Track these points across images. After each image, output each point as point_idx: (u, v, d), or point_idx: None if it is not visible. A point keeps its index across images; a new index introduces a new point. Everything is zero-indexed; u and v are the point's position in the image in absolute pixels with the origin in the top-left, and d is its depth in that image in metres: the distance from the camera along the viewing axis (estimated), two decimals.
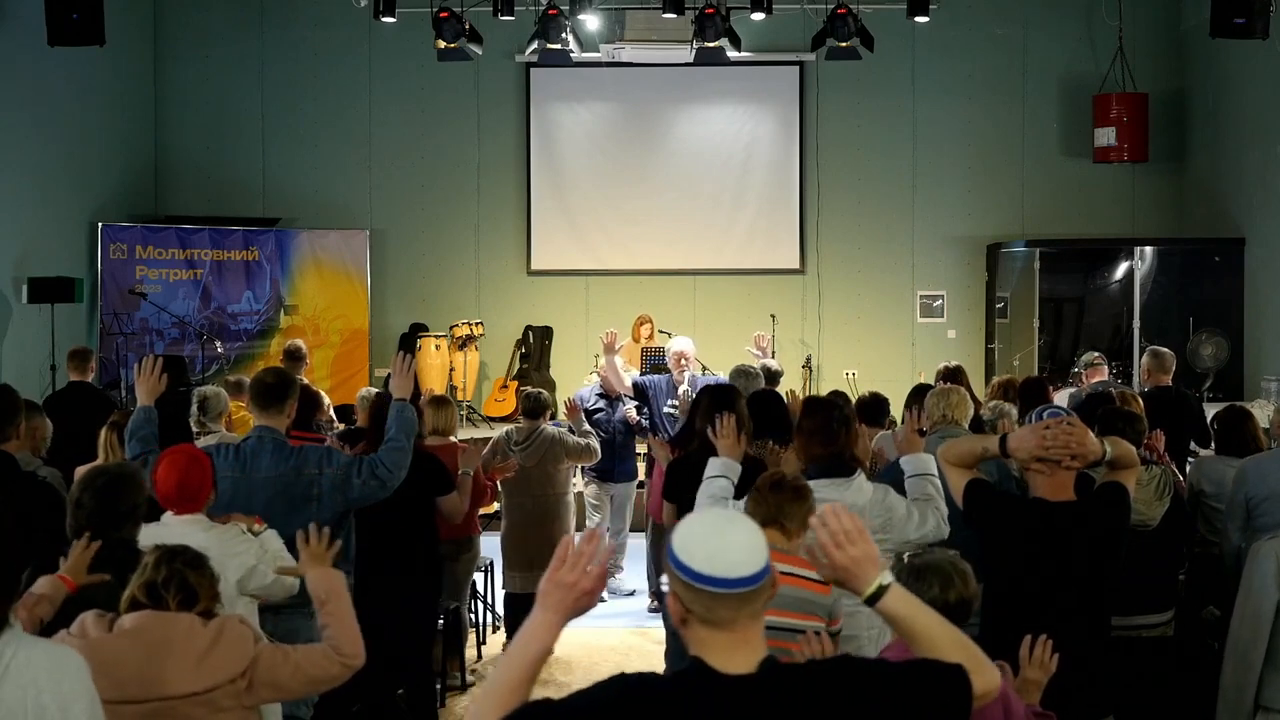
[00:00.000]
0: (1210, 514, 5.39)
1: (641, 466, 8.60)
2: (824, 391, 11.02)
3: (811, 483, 3.97)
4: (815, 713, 2.04)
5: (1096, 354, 8.81)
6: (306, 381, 8.18)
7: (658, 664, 5.36)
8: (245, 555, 3.88)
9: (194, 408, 6.61)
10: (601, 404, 8.14)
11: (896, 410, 7.06)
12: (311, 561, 3.25)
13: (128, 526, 3.59)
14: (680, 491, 5.08)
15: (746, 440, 5.28)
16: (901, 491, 4.23)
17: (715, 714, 2.01)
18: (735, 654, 2.05)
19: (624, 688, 2.07)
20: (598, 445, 7.50)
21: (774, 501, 3.65)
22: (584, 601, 2.21)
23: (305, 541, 3.28)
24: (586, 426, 7.62)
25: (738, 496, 4.21)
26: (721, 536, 2.08)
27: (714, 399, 5.36)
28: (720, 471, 4.28)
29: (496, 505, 7.64)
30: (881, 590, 2.27)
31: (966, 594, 3.04)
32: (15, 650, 2.10)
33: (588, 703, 2.05)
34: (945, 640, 2.26)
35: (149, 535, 3.70)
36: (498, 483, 7.06)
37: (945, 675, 2.16)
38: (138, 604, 2.97)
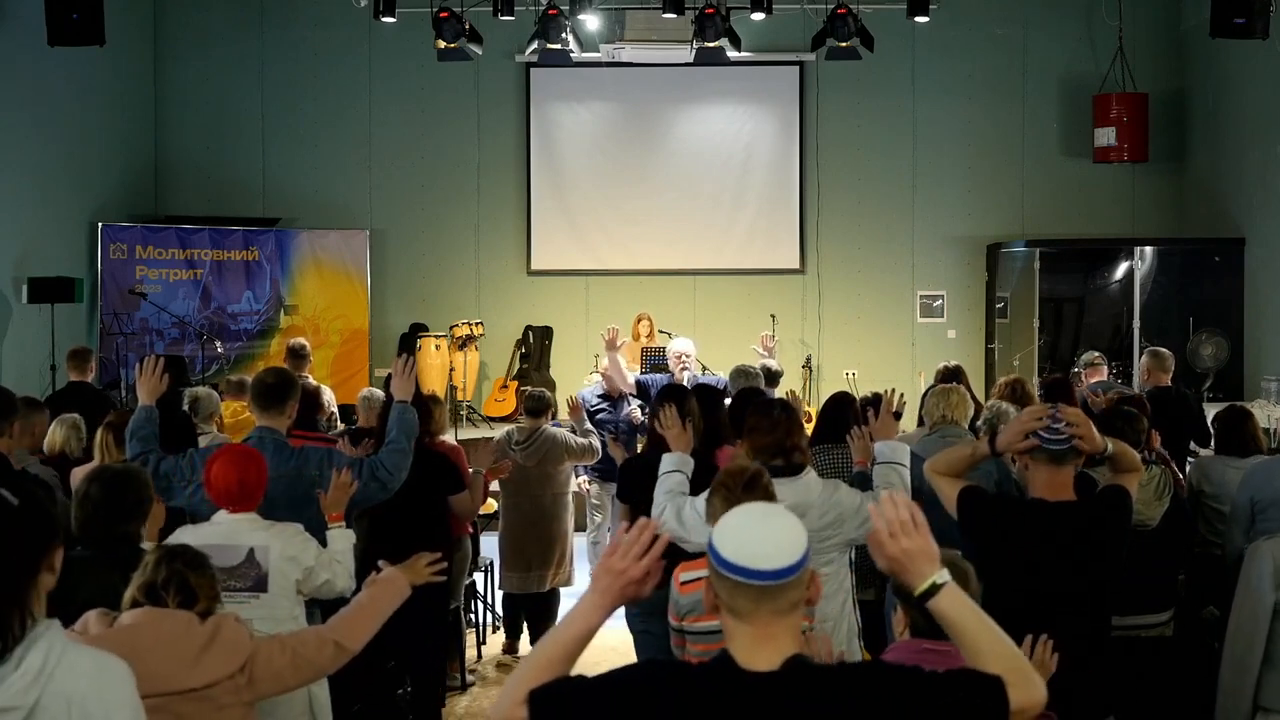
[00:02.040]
0: (1211, 514, 5.38)
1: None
2: (824, 392, 11.01)
3: None
4: (836, 717, 2.01)
5: (1096, 354, 8.81)
6: (308, 378, 8.19)
7: None
8: (305, 556, 3.90)
9: (184, 408, 6.59)
10: (604, 404, 8.13)
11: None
12: (408, 573, 3.47)
13: (133, 523, 3.60)
14: (632, 492, 5.05)
15: (696, 435, 5.29)
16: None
17: (733, 709, 2.01)
18: (758, 650, 2.05)
19: (651, 673, 2.11)
20: (599, 444, 7.49)
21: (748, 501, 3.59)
22: (631, 590, 2.21)
23: (416, 561, 3.53)
24: (589, 425, 7.60)
25: (694, 491, 4.22)
26: (756, 528, 2.09)
27: (662, 399, 5.35)
28: (674, 466, 4.29)
29: (495, 505, 7.64)
30: (935, 589, 2.22)
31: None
32: (61, 656, 2.09)
33: (616, 683, 2.08)
34: (992, 649, 2.18)
35: (203, 535, 3.71)
36: (495, 483, 7.05)
37: (980, 686, 2.09)
38: (138, 605, 2.98)
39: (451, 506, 5.78)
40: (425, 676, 5.71)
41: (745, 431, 4.27)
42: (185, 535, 3.79)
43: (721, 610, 2.09)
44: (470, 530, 6.81)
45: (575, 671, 2.19)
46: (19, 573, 2.09)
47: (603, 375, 8.29)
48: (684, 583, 3.59)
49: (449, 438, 6.86)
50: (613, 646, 7.46)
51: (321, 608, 4.47)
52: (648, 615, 4.59)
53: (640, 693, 2.05)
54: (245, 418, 7.35)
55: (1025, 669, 2.17)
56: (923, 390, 7.55)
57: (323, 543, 4.08)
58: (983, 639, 2.20)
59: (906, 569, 2.24)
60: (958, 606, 2.22)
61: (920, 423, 6.71)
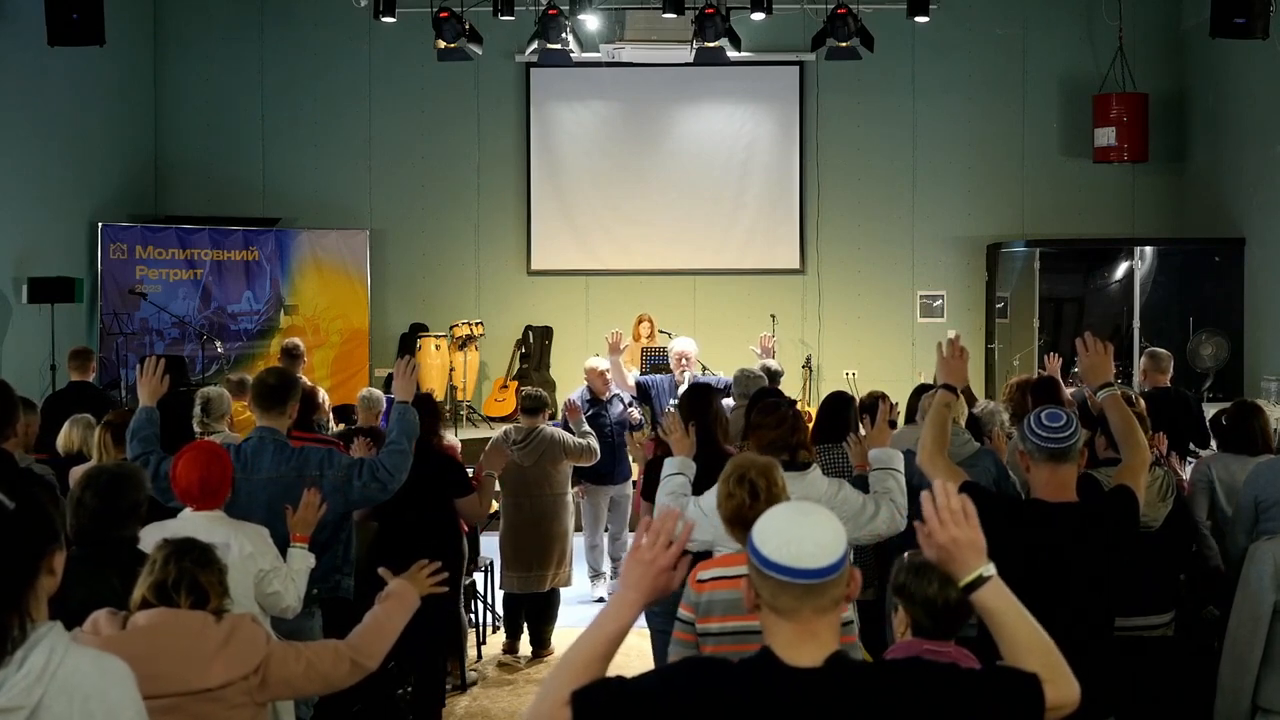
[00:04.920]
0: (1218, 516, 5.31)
1: (637, 468, 8.58)
2: (824, 392, 11.01)
3: None
4: (878, 713, 2.03)
5: None
6: (304, 379, 8.18)
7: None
8: (261, 558, 3.91)
9: (197, 408, 6.60)
10: (592, 407, 8.08)
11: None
12: (414, 583, 3.43)
13: (130, 525, 3.59)
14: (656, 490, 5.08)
15: (724, 436, 5.31)
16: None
17: (778, 705, 2.02)
18: (801, 646, 2.07)
19: (693, 670, 2.11)
20: (597, 445, 7.49)
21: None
22: (664, 579, 2.19)
23: (418, 571, 3.49)
24: (586, 427, 7.60)
25: (699, 491, 4.23)
26: (797, 527, 2.10)
27: (691, 400, 5.37)
28: (677, 469, 4.33)
29: (495, 505, 7.64)
30: (980, 580, 2.24)
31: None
32: (63, 657, 2.10)
33: (658, 682, 2.09)
34: (1029, 645, 2.22)
35: (168, 531, 3.70)
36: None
37: (1017, 683, 2.13)
38: (148, 605, 2.96)
39: (458, 509, 5.78)
40: (427, 676, 5.71)
41: (751, 429, 4.31)
42: (151, 531, 3.78)
43: (763, 608, 2.10)
44: (466, 529, 6.80)
45: None
46: (17, 576, 2.08)
47: (587, 375, 8.16)
48: (700, 581, 3.58)
49: (448, 435, 6.83)
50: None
51: (324, 610, 4.47)
52: (669, 616, 4.62)
53: (684, 691, 2.05)
54: (245, 418, 7.35)
55: (1060, 666, 2.20)
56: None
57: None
58: (1021, 633, 2.23)
59: (954, 557, 2.25)
60: (1001, 600, 2.25)
61: (909, 419, 6.69)
